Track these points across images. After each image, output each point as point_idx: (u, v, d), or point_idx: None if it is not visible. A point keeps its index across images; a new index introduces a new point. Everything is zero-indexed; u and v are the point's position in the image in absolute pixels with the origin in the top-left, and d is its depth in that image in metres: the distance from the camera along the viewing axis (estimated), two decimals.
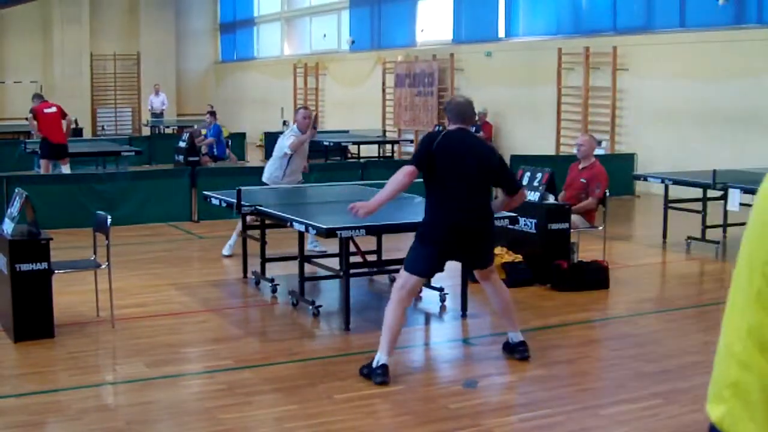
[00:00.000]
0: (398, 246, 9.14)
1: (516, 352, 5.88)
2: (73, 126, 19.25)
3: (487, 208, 5.76)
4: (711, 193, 9.95)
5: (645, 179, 11.27)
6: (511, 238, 8.16)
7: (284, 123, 25.27)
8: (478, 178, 5.66)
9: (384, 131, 21.66)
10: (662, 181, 10.49)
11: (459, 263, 7.07)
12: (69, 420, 4.89)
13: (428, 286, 7.62)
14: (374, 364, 5.43)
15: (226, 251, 9.42)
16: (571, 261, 8.13)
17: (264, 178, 9.20)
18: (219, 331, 6.73)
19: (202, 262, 9.62)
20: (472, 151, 5.64)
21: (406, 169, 5.53)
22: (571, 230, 8.25)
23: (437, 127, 18.59)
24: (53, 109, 13.72)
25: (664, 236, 10.40)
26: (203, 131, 17.36)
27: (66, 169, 13.77)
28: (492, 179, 5.82)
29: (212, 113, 17.67)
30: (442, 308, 7.37)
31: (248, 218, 8.33)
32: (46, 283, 6.29)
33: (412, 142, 20.95)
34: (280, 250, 8.77)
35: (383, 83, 22.40)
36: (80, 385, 5.44)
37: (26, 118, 14.46)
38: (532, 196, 8.22)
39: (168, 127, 24.75)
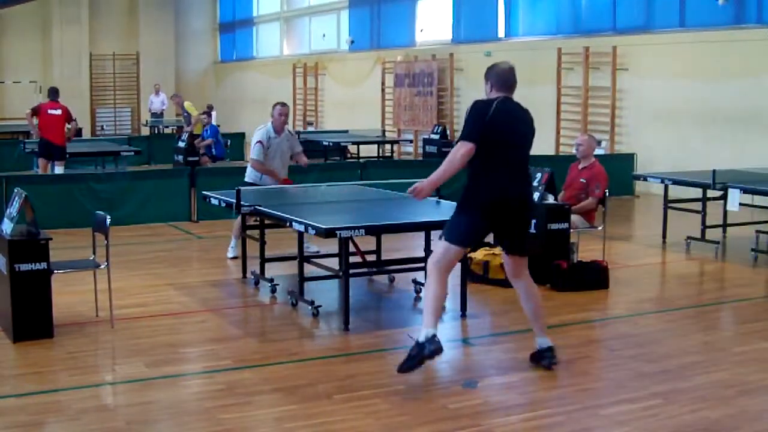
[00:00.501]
0: (397, 246, 9.15)
1: (543, 358, 5.68)
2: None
3: (530, 180, 5.86)
4: (711, 193, 9.94)
5: (645, 179, 11.26)
6: None
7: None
8: (527, 149, 5.68)
9: (383, 131, 21.65)
10: (662, 181, 10.49)
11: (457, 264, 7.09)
12: (69, 420, 4.88)
13: None
14: (422, 339, 5.27)
15: (230, 253, 9.35)
16: (570, 261, 8.13)
17: (246, 178, 9.10)
18: (218, 331, 6.73)
19: (202, 262, 9.61)
20: (521, 121, 5.64)
21: (466, 147, 5.37)
22: (571, 230, 8.24)
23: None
24: (58, 111, 13.60)
25: (664, 236, 10.40)
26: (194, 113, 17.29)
27: (60, 169, 13.70)
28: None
29: (208, 113, 17.67)
30: (442, 308, 7.34)
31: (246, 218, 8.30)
32: (45, 283, 6.28)
33: (411, 142, 20.97)
34: (279, 251, 8.76)
35: (383, 83, 22.39)
36: (80, 385, 5.44)
37: (25, 114, 14.22)
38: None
39: (167, 127, 24.74)
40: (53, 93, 13.79)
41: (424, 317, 5.39)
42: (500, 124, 5.45)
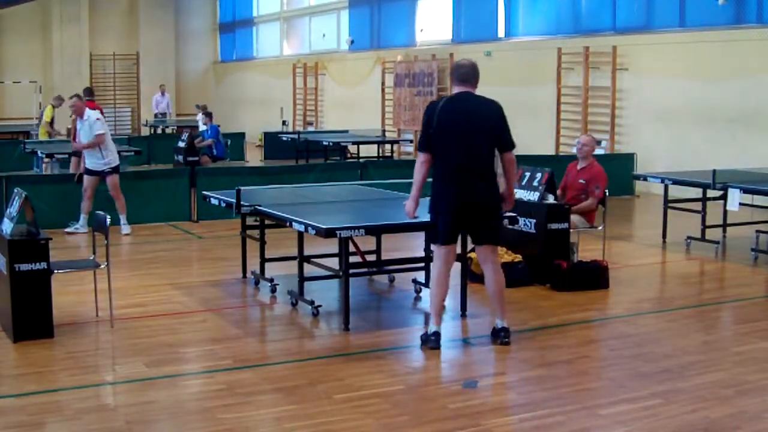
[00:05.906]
0: (397, 246, 9.15)
1: (497, 337, 6.22)
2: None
3: (487, 175, 5.94)
4: (711, 193, 9.94)
5: (645, 179, 11.27)
6: (511, 238, 8.15)
7: (284, 123, 25.27)
8: (478, 141, 5.87)
9: (383, 131, 21.65)
10: (662, 181, 10.49)
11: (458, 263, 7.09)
12: (69, 420, 4.88)
13: (427, 285, 7.62)
14: (427, 333, 6.13)
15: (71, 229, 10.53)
16: (570, 261, 8.12)
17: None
18: (218, 331, 6.73)
19: (202, 262, 9.62)
20: (472, 113, 5.85)
21: (421, 159, 5.92)
22: (571, 230, 8.24)
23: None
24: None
25: (664, 236, 10.40)
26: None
27: None
28: (494, 138, 5.96)
29: (208, 114, 17.69)
30: (442, 308, 7.34)
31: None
32: (45, 283, 6.29)
33: (411, 141, 20.95)
34: (278, 251, 8.76)
35: (382, 83, 22.39)
36: (80, 385, 5.44)
37: (68, 128, 14.24)
38: (532, 196, 8.22)
39: (168, 126, 24.75)
40: (88, 92, 14.03)
41: (430, 313, 6.26)
42: (446, 121, 5.81)
